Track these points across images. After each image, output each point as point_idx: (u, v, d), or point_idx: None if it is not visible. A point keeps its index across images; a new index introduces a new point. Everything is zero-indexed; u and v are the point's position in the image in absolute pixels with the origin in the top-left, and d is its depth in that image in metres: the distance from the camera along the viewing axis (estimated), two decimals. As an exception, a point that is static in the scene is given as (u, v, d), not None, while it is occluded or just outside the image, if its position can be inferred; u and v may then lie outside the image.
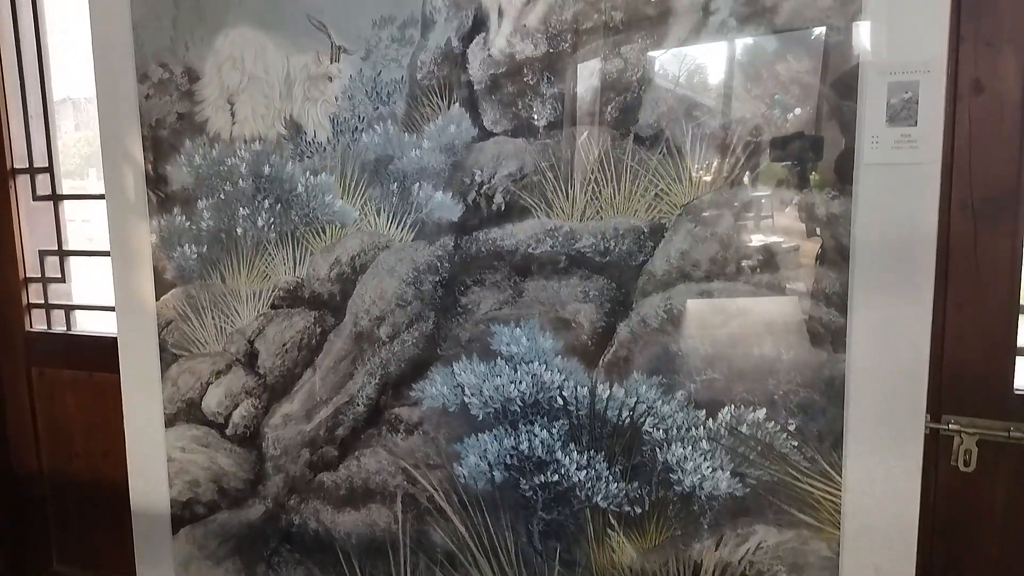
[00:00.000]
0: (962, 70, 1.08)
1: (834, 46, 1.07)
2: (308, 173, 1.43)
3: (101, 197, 1.77)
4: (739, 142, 1.14)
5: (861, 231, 1.09)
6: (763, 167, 1.13)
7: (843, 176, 1.09)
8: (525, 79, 1.26)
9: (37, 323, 1.91)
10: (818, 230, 1.11)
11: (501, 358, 1.33)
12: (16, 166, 1.86)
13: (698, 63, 1.16)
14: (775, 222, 1.14)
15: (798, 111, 1.09)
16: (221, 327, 1.54)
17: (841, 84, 1.07)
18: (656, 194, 1.21)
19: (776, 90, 1.10)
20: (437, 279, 1.37)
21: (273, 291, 1.49)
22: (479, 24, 1.28)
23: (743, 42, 1.13)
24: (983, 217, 1.12)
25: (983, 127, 1.10)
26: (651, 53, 1.18)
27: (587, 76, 1.22)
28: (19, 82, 1.83)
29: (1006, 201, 1.12)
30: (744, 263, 1.17)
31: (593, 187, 1.24)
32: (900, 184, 1.07)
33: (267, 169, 1.46)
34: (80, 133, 2.00)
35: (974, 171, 1.11)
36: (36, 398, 1.90)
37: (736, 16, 1.12)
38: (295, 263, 1.47)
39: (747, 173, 1.14)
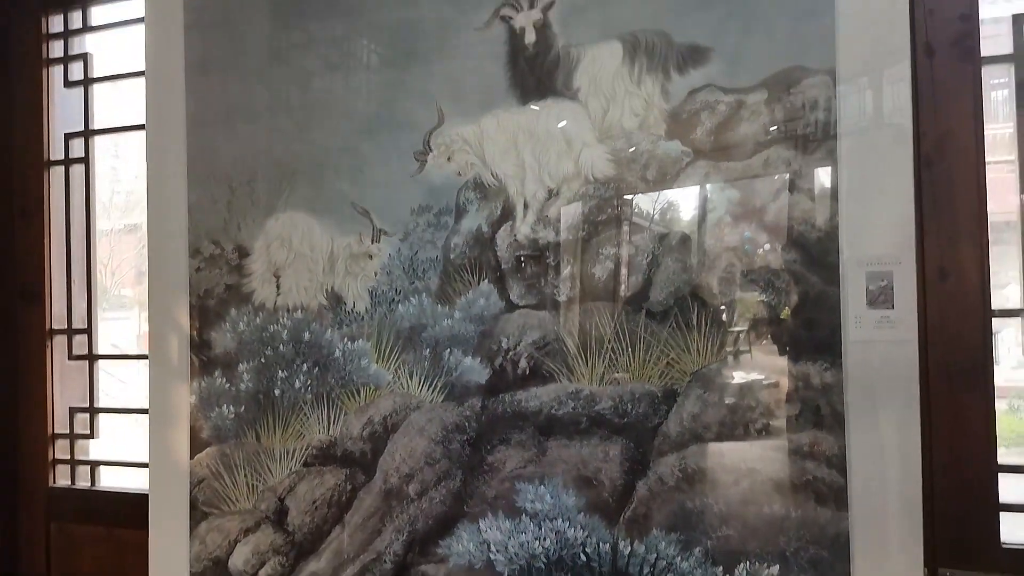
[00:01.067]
0: (928, 259, 1.27)
1: (815, 243, 1.26)
2: (346, 339, 1.56)
3: (139, 358, 1.88)
4: (740, 319, 1.30)
5: (853, 398, 1.24)
6: (764, 343, 1.29)
7: (834, 350, 1.25)
8: (547, 260, 1.43)
9: (61, 478, 1.95)
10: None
11: (526, 515, 1.42)
12: (55, 327, 1.97)
13: (702, 250, 1.34)
14: (780, 388, 1.28)
15: (794, 299, 1.26)
16: (253, 485, 1.62)
17: (826, 272, 1.25)
18: (668, 362, 1.35)
19: (772, 280, 1.27)
20: (465, 438, 1.48)
21: (306, 449, 1.58)
22: (506, 213, 1.46)
23: (737, 234, 1.31)
24: (959, 384, 1.28)
25: (951, 306, 1.28)
26: (661, 243, 1.36)
27: (603, 259, 1.40)
28: (65, 247, 1.97)
29: (977, 369, 1.27)
30: (751, 426, 1.29)
31: (611, 355, 1.38)
32: (883, 357, 1.23)
33: (307, 335, 1.59)
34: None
35: (947, 345, 1.28)
36: (53, 553, 1.91)
37: (731, 215, 1.31)
38: (329, 422, 1.57)
39: (750, 347, 1.30)
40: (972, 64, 1.24)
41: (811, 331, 1.26)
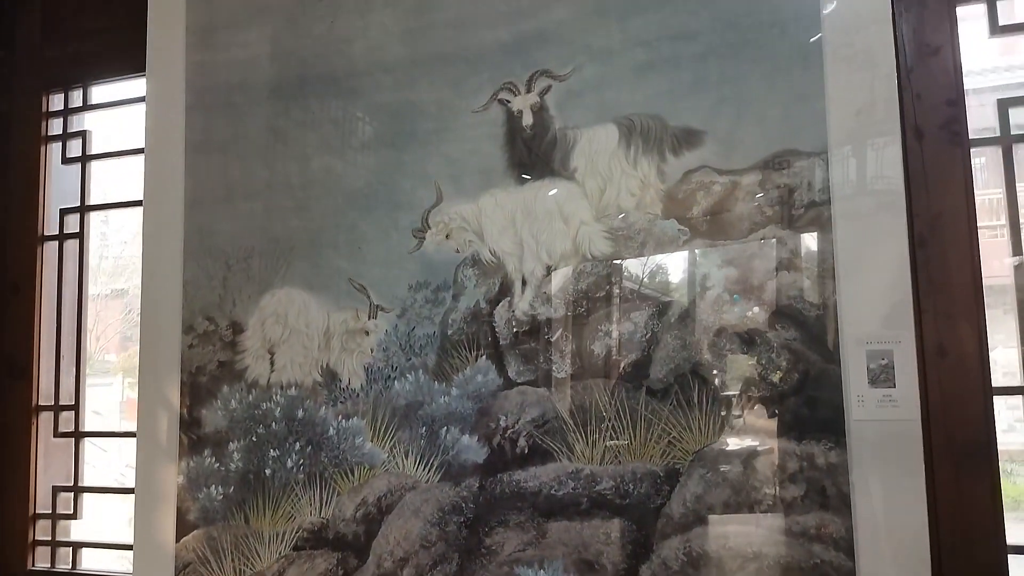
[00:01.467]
0: (927, 337, 1.27)
1: (815, 321, 1.26)
2: (340, 417, 1.54)
3: (126, 435, 1.84)
4: (742, 398, 1.30)
5: (858, 479, 1.22)
6: (767, 421, 1.28)
7: (838, 429, 1.24)
8: (546, 336, 1.43)
9: (41, 561, 1.88)
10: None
11: (526, 601, 1.37)
12: (41, 403, 1.93)
13: (701, 327, 1.34)
14: (784, 468, 1.26)
15: (795, 376, 1.26)
16: (241, 570, 1.56)
17: (826, 351, 1.25)
18: (669, 441, 1.33)
19: (773, 358, 1.27)
20: (462, 520, 1.44)
21: (297, 532, 1.54)
22: (505, 290, 1.47)
23: (735, 312, 1.31)
24: (963, 464, 1.26)
25: (951, 384, 1.28)
26: (659, 320, 1.36)
27: (601, 336, 1.39)
28: (55, 322, 1.95)
29: (981, 448, 1.26)
30: (756, 508, 1.27)
31: (611, 433, 1.36)
32: (887, 437, 1.22)
33: (301, 413, 1.56)
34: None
35: (950, 423, 1.27)
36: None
37: (729, 292, 1.32)
38: (321, 504, 1.53)
39: (752, 425, 1.29)
40: (961, 147, 1.28)
41: (814, 410, 1.25)
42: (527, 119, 1.44)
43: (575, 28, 1.43)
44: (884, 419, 1.22)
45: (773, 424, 1.27)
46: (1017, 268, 1.32)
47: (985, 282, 1.30)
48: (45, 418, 1.94)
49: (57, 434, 1.92)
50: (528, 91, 1.45)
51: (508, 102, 1.46)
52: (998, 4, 1.32)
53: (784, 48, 1.31)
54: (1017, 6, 1.33)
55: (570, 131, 1.43)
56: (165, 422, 1.64)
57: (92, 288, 2.05)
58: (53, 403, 1.94)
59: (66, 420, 1.93)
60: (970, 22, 1.33)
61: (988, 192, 1.41)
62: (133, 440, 1.68)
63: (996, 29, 1.32)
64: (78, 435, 1.92)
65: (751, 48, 1.32)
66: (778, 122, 1.30)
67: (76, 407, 1.93)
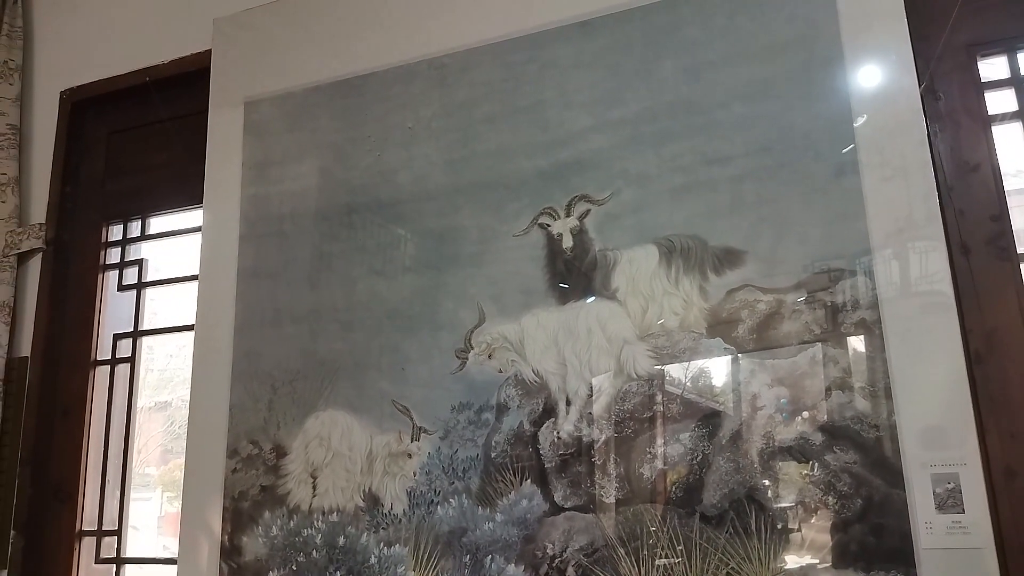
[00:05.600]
0: (993, 459, 1.21)
1: (874, 443, 1.21)
2: (382, 545, 1.50)
3: (167, 562, 1.82)
4: (804, 524, 1.24)
5: (934, 615, 1.14)
6: (830, 551, 1.21)
7: (907, 559, 1.17)
8: (593, 459, 1.39)
9: None
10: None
11: None
12: (84, 528, 1.93)
13: (755, 449, 1.30)
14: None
15: (858, 502, 1.20)
16: None
17: (889, 475, 1.20)
18: (727, 572, 1.26)
19: (833, 482, 1.22)
20: (509, 657, 1.37)
21: (337, 669, 1.47)
22: (549, 410, 1.45)
23: (790, 433, 1.27)
24: (1047, 596, 1.17)
25: (1023, 508, 1.20)
26: (710, 442, 1.32)
27: (650, 458, 1.36)
28: (103, 449, 1.97)
29: (1064, 579, 1.18)
30: (825, 647, 1.19)
31: (665, 564, 1.30)
32: (960, 566, 1.14)
33: (342, 540, 1.53)
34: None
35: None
36: None
37: (781, 412, 1.29)
38: (363, 639, 1.47)
39: (816, 554, 1.22)
40: (1010, 262, 1.26)
41: (880, 538, 1.19)
42: (567, 242, 1.47)
43: (612, 155, 1.47)
44: (955, 547, 1.14)
45: (838, 553, 1.20)
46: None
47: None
48: (88, 543, 1.92)
49: (99, 560, 1.90)
50: (568, 215, 1.48)
51: (548, 226, 1.49)
52: (1033, 122, 1.34)
53: (820, 169, 1.33)
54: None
55: (610, 252, 1.45)
56: (206, 550, 1.62)
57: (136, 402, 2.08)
58: (96, 528, 1.93)
59: (108, 545, 1.91)
60: (1008, 137, 1.34)
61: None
62: (174, 567, 1.66)
63: (1033, 145, 1.33)
64: (119, 561, 1.90)
65: (786, 170, 1.35)
66: (819, 240, 1.30)
67: (119, 533, 1.92)
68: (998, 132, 1.33)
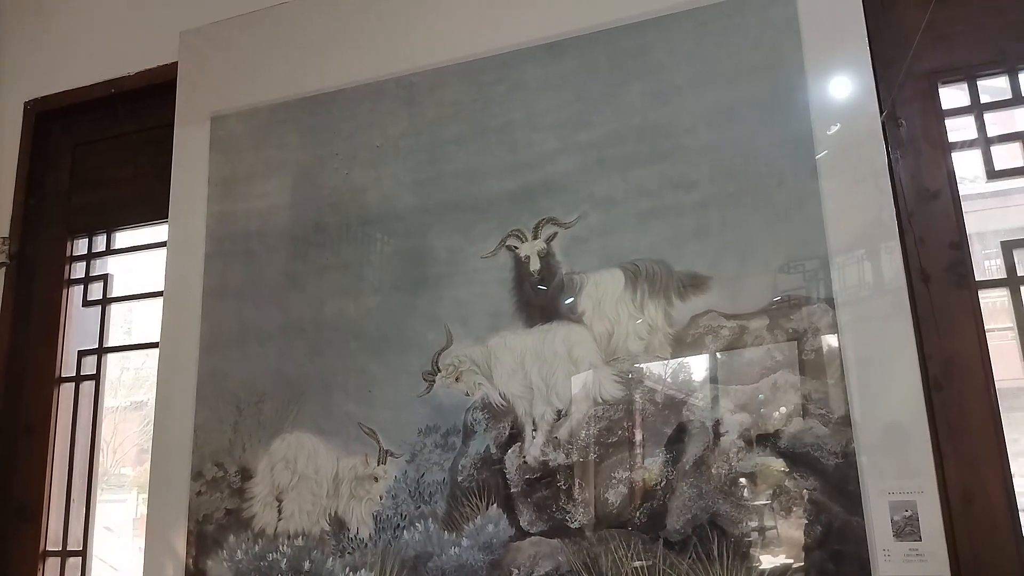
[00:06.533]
0: (951, 485, 1.23)
1: (834, 469, 1.22)
2: (348, 570, 1.49)
3: (132, 584, 1.79)
4: (764, 549, 1.24)
5: (892, 642, 1.15)
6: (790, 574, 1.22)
7: (866, 587, 1.18)
8: (559, 484, 1.39)
9: None
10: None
11: None
12: (48, 548, 1.90)
13: (717, 475, 1.30)
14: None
15: (818, 528, 1.21)
16: None
17: (848, 502, 1.21)
18: (690, 599, 1.27)
19: (788, 506, 1.23)
20: None
21: None
22: (515, 435, 1.45)
23: (751, 459, 1.28)
24: (1002, 622, 1.19)
25: (980, 535, 1.22)
26: (674, 468, 1.32)
27: (615, 483, 1.36)
28: (68, 464, 1.94)
29: (1020, 603, 1.19)
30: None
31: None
32: (919, 594, 1.16)
33: (307, 564, 1.52)
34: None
35: (982, 577, 1.21)
36: None
37: (743, 439, 1.29)
38: (328, 664, 1.46)
39: (775, 582, 1.23)
40: (968, 289, 1.27)
41: (839, 565, 1.20)
42: (534, 264, 1.47)
43: (579, 178, 1.47)
44: (913, 575, 1.16)
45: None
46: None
47: (1002, 385, 1.26)
48: (52, 563, 1.89)
49: (62, 584, 1.88)
50: (535, 238, 1.48)
51: (516, 248, 1.49)
52: (992, 149, 1.35)
53: (782, 195, 1.34)
54: (1011, 151, 1.36)
55: (576, 276, 1.45)
56: (171, 574, 1.60)
57: (111, 401, 2.05)
58: (61, 548, 1.90)
59: (73, 567, 1.89)
60: (967, 166, 1.35)
61: (994, 294, 1.34)
62: (138, 588, 1.64)
63: (993, 174, 1.35)
64: (83, 584, 1.88)
65: (751, 196, 1.35)
66: (782, 268, 1.31)
67: (83, 553, 1.89)
68: (958, 159, 1.34)
